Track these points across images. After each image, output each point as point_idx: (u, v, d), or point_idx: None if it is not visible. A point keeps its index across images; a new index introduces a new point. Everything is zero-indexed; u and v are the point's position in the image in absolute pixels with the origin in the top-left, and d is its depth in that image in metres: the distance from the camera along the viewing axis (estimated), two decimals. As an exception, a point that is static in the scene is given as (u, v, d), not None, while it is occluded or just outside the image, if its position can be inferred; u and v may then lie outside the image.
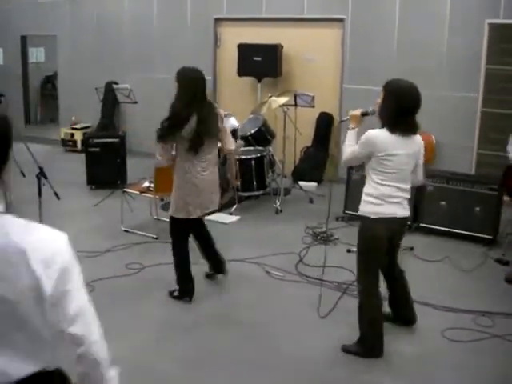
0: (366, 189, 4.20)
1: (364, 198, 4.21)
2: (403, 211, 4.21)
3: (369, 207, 4.16)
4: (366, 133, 4.14)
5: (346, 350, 4.39)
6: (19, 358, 1.78)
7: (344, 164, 4.49)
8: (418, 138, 4.20)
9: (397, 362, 4.27)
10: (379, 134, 4.09)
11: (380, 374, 4.15)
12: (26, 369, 1.79)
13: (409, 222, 6.77)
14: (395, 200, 4.14)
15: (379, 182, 4.11)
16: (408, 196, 4.23)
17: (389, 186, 4.11)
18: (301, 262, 6.02)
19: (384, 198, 4.11)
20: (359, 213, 4.26)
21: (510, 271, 5.78)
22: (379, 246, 4.23)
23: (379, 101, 4.17)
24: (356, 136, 4.30)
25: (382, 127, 4.11)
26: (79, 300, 1.90)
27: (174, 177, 5.03)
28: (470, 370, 4.19)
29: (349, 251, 6.17)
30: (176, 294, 5.23)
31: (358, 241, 4.28)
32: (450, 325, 4.75)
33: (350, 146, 4.27)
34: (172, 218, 5.13)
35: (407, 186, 4.20)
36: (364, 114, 4.40)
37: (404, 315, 4.71)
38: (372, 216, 4.14)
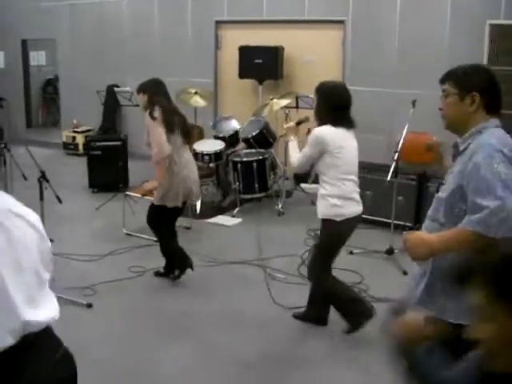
0: (325, 190, 4.34)
1: (326, 200, 4.34)
2: (360, 207, 4.42)
3: (333, 210, 4.31)
4: (313, 132, 4.34)
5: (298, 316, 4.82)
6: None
7: (298, 170, 4.78)
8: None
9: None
10: (326, 129, 4.28)
11: (382, 375, 4.14)
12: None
13: (409, 224, 6.87)
14: (354, 195, 4.35)
15: (339, 176, 4.28)
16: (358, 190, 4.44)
17: (347, 179, 4.30)
18: (303, 265, 6.02)
19: (346, 196, 4.29)
20: (321, 216, 4.42)
21: None
22: (341, 243, 4.51)
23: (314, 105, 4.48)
24: (297, 145, 4.51)
25: (322, 125, 4.32)
26: None
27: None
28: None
29: (351, 253, 6.17)
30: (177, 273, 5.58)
31: (322, 239, 4.53)
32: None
33: (295, 152, 4.45)
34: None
35: (357, 180, 4.41)
36: (299, 123, 4.64)
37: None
38: (338, 219, 4.30)
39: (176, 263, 5.60)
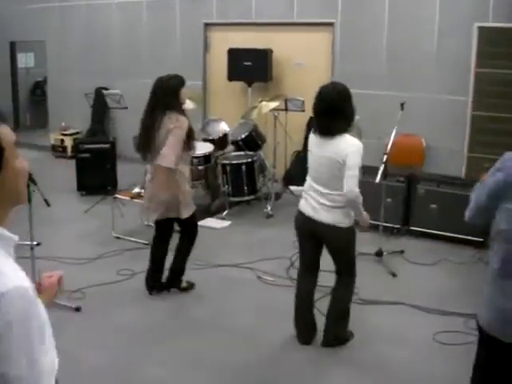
0: None
1: None
2: (313, 212, 4.26)
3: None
4: None
5: None
6: None
7: None
8: (343, 143, 4.11)
9: (388, 366, 4.27)
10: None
11: (371, 378, 4.15)
12: None
13: (398, 226, 6.90)
14: (307, 197, 4.32)
15: (307, 176, 4.40)
16: (327, 202, 4.18)
17: (307, 181, 4.36)
18: (292, 267, 6.02)
19: (304, 193, 4.38)
20: None
21: None
22: (298, 235, 4.51)
23: None
24: None
25: None
26: None
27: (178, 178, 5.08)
28: (460, 373, 4.18)
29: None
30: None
31: None
32: (441, 328, 4.75)
33: None
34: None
35: (325, 191, 4.19)
36: None
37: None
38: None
39: None
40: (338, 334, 4.51)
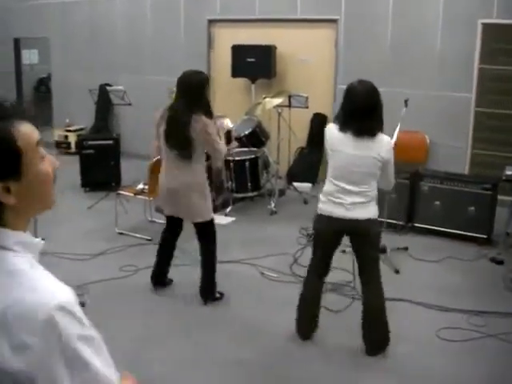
0: None
1: None
2: (345, 212, 4.09)
3: (319, 203, 4.27)
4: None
5: None
6: None
7: None
8: (379, 142, 4.04)
9: (390, 361, 4.28)
10: (330, 128, 4.18)
11: (373, 373, 4.15)
12: None
13: (402, 223, 6.90)
14: (333, 199, 4.13)
15: (328, 177, 4.20)
16: (362, 199, 4.09)
17: (333, 183, 4.15)
18: (295, 263, 6.03)
19: (326, 193, 4.19)
20: None
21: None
22: (319, 240, 4.41)
23: None
24: None
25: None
26: None
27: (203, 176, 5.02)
28: (463, 370, 4.20)
29: (343, 252, 6.17)
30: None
31: None
32: (444, 324, 4.76)
33: None
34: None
35: (359, 189, 4.08)
36: None
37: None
38: (318, 211, 4.28)
39: None
40: (385, 336, 4.37)
